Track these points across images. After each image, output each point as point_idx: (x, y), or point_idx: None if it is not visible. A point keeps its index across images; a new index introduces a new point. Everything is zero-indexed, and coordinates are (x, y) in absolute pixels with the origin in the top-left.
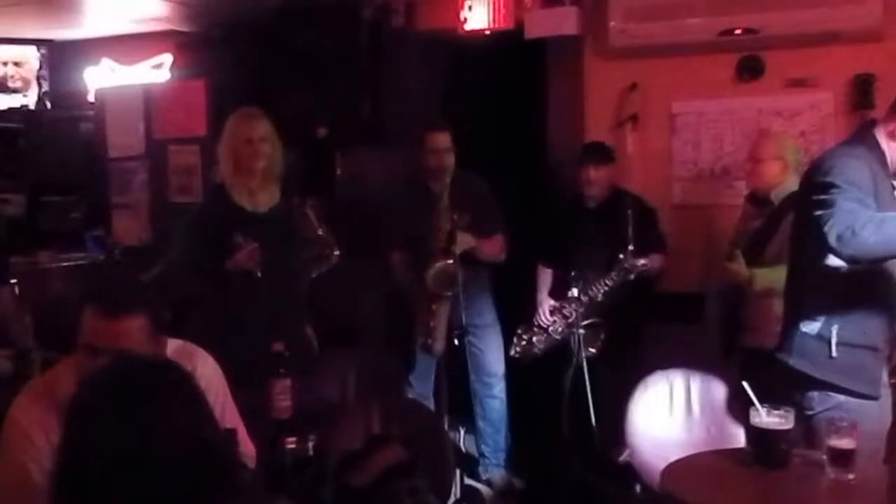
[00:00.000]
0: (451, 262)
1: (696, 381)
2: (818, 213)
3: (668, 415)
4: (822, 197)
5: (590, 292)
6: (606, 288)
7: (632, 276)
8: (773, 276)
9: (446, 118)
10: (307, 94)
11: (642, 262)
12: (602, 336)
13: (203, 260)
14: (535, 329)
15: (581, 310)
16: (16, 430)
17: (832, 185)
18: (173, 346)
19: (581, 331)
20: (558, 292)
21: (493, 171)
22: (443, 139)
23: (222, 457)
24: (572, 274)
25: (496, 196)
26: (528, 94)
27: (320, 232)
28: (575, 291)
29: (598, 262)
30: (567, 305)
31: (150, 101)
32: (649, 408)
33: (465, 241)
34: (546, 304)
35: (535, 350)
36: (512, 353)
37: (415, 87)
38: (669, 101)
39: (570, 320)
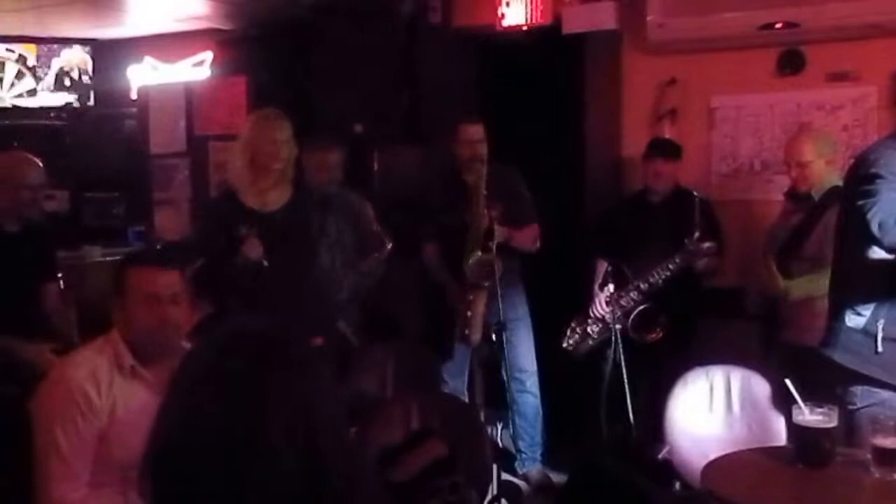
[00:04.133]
0: (489, 252)
1: (737, 377)
2: (861, 202)
3: (707, 411)
4: (866, 187)
5: (650, 279)
6: (668, 273)
7: (696, 262)
8: (809, 286)
9: (483, 115)
10: (345, 91)
11: (707, 245)
12: (662, 319)
13: (216, 258)
14: (590, 320)
15: (637, 298)
16: (69, 386)
17: (877, 176)
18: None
19: (618, 326)
20: (616, 287)
21: (530, 167)
22: (476, 131)
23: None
24: (629, 267)
25: (533, 190)
26: (566, 90)
27: (375, 228)
28: (619, 286)
29: (659, 256)
30: (625, 294)
31: (192, 99)
32: (689, 404)
33: (499, 232)
34: (602, 295)
35: (590, 342)
36: (564, 345)
37: (452, 83)
38: (708, 95)
39: (627, 309)
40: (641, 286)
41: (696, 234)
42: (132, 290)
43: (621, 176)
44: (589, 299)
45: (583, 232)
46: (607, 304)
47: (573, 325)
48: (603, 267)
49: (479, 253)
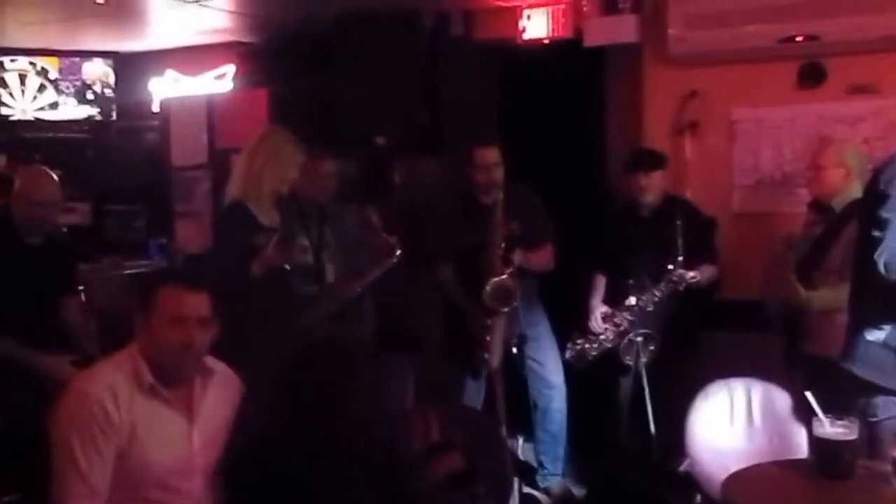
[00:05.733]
0: (507, 277)
1: (758, 390)
2: (875, 233)
3: (728, 424)
4: (879, 213)
5: (640, 302)
6: (656, 299)
7: (681, 289)
8: (831, 298)
9: (504, 128)
10: (366, 103)
11: (691, 275)
12: (652, 347)
13: (232, 273)
14: (590, 336)
15: (633, 318)
16: (87, 400)
17: (887, 197)
18: (218, 366)
19: (639, 339)
20: (611, 300)
21: (551, 180)
22: (491, 155)
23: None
24: (629, 282)
25: (554, 205)
26: (587, 103)
27: (383, 235)
28: (632, 300)
29: (650, 269)
30: (619, 313)
31: (213, 111)
32: (709, 417)
33: (516, 257)
34: (598, 310)
35: (589, 357)
36: (567, 356)
37: (473, 96)
38: (729, 108)
39: (621, 328)
40: (633, 308)
41: (679, 260)
42: (159, 310)
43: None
44: (586, 314)
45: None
46: (603, 320)
47: (574, 337)
48: (600, 281)
49: (498, 277)
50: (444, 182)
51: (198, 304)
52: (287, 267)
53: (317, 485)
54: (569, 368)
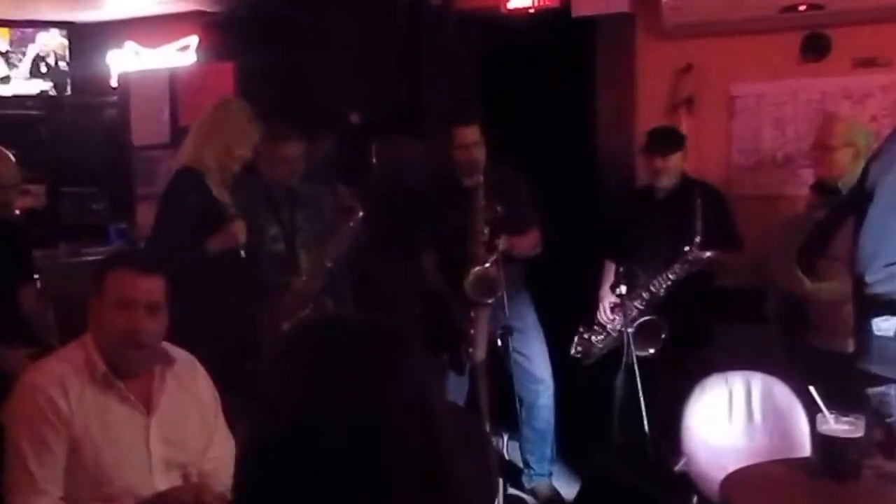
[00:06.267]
0: (491, 266)
1: (757, 384)
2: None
3: (727, 421)
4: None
5: (651, 287)
6: (669, 283)
7: (695, 270)
8: (838, 290)
9: (486, 105)
10: (340, 77)
11: (708, 254)
12: (663, 335)
13: (184, 250)
14: (596, 327)
15: (643, 307)
16: (34, 393)
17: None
18: (180, 354)
19: (631, 330)
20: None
21: (536, 161)
22: (471, 133)
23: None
24: (635, 268)
25: (540, 187)
26: (576, 77)
27: (342, 193)
28: (643, 286)
29: (665, 255)
30: (628, 302)
31: (176, 86)
32: (707, 413)
33: (500, 243)
34: (607, 300)
35: (596, 350)
36: (572, 352)
37: (455, 70)
38: (728, 82)
39: (630, 318)
40: (644, 294)
41: (697, 240)
42: (108, 294)
43: (634, 170)
44: (595, 304)
45: (593, 231)
46: (612, 310)
47: (581, 330)
48: (611, 269)
49: (480, 267)
50: (424, 163)
51: (148, 288)
52: (242, 253)
53: (358, 470)
54: (562, 362)
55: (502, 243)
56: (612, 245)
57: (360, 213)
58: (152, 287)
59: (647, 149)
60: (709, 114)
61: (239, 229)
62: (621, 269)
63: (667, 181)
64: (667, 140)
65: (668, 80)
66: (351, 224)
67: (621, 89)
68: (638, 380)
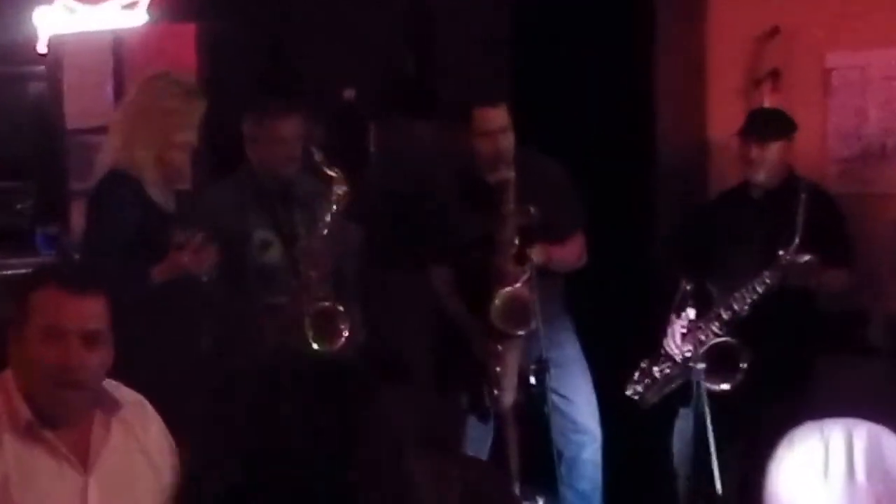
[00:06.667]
0: (523, 285)
1: (862, 436)
2: None
3: (821, 481)
4: None
5: (733, 304)
6: (756, 296)
7: (791, 283)
8: None
9: (516, 81)
10: (331, 46)
11: (807, 257)
12: (742, 364)
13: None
14: (661, 359)
15: (720, 331)
16: None
17: None
18: (127, 396)
19: (702, 365)
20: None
21: (580, 154)
22: (496, 117)
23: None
24: (709, 286)
25: (582, 186)
26: (629, 48)
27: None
28: (699, 311)
29: (754, 269)
30: (704, 326)
31: (122, 53)
32: (797, 471)
33: (535, 254)
34: (678, 326)
35: (662, 388)
36: (628, 391)
37: (475, 40)
38: (823, 51)
39: (706, 346)
40: (723, 314)
41: (796, 242)
42: (33, 320)
43: (706, 165)
44: (662, 331)
45: (652, 241)
46: (683, 337)
47: (643, 365)
48: (684, 287)
49: (510, 288)
50: (435, 152)
51: (82, 312)
52: (204, 278)
53: None
54: (612, 406)
55: (537, 255)
56: (688, 259)
57: (345, 188)
58: (86, 311)
59: (743, 133)
60: (799, 91)
61: (190, 258)
62: (688, 288)
63: (764, 176)
64: (768, 123)
65: (748, 49)
66: (334, 206)
67: (687, 60)
68: (709, 428)
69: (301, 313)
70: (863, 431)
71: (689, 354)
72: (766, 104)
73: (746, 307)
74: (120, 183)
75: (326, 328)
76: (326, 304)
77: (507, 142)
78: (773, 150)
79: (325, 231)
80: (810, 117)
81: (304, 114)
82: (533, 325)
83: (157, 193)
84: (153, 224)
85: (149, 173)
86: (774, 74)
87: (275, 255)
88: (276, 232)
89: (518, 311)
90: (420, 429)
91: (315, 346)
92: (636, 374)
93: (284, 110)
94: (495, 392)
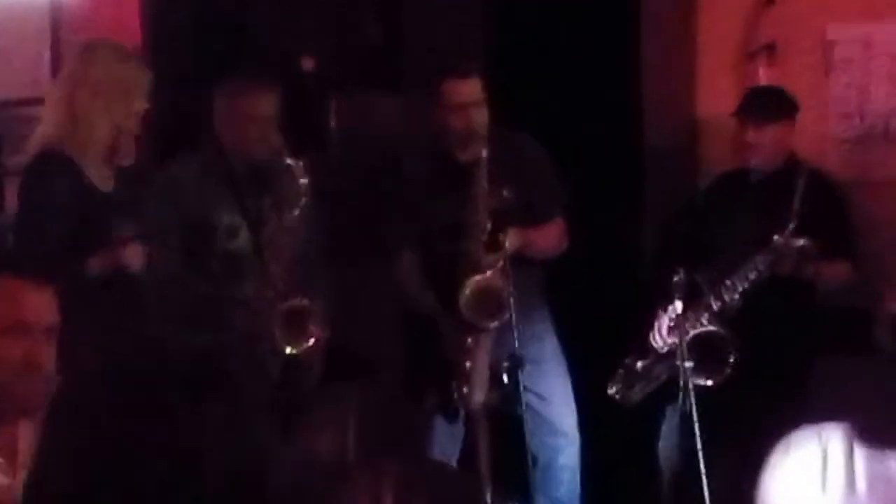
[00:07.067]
0: (495, 273)
1: (863, 441)
2: None
3: (819, 491)
4: None
5: (723, 292)
6: (748, 283)
7: (785, 270)
8: None
9: (492, 50)
10: (287, 9)
11: (801, 241)
12: (731, 358)
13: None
14: (647, 357)
15: (708, 322)
16: None
17: None
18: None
19: (689, 364)
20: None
21: (559, 133)
22: (468, 89)
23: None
24: (696, 276)
25: (562, 167)
26: (613, 17)
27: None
28: (686, 303)
29: (750, 255)
30: (692, 316)
31: (60, 17)
32: (792, 480)
33: (510, 239)
34: (664, 318)
35: (646, 386)
36: (610, 390)
37: (448, 4)
38: (823, 22)
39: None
40: (713, 305)
41: (791, 227)
42: (10, 313)
43: (696, 146)
44: (648, 325)
45: (638, 226)
46: (670, 331)
47: (626, 362)
48: (672, 277)
49: (481, 276)
50: (401, 129)
51: (40, 304)
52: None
53: None
54: (592, 406)
55: (511, 241)
56: (678, 247)
57: (306, 180)
58: (44, 302)
59: (739, 113)
60: (797, 66)
61: (132, 251)
62: (676, 279)
63: (761, 161)
64: (767, 103)
65: (741, 19)
66: (298, 199)
67: (676, 32)
68: (697, 432)
69: (265, 309)
70: (864, 437)
71: (674, 347)
72: (761, 80)
73: (737, 296)
74: (51, 165)
75: (296, 328)
76: (296, 302)
77: (480, 117)
78: (772, 132)
79: (288, 224)
80: (809, 94)
81: (276, 89)
82: (506, 316)
83: (95, 173)
84: (89, 208)
85: (95, 148)
86: (770, 48)
87: (243, 241)
88: (243, 217)
89: (490, 302)
90: (382, 431)
91: (286, 348)
92: (619, 372)
93: (260, 87)
94: (465, 390)
